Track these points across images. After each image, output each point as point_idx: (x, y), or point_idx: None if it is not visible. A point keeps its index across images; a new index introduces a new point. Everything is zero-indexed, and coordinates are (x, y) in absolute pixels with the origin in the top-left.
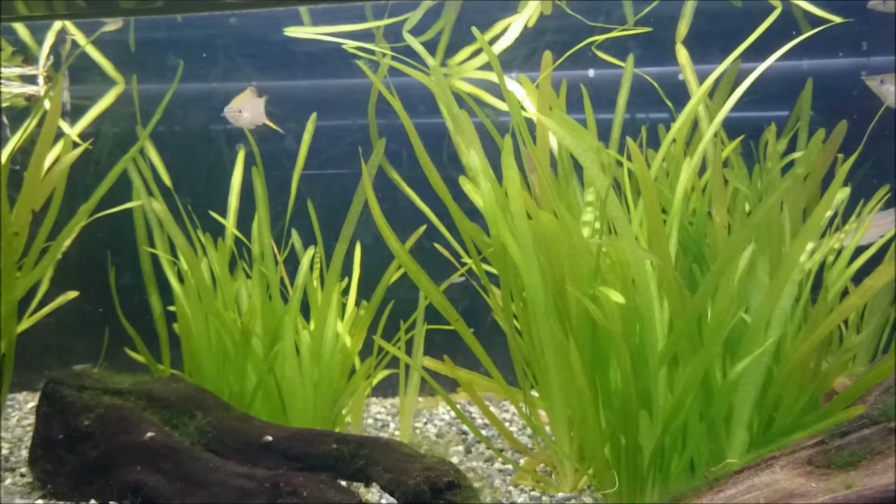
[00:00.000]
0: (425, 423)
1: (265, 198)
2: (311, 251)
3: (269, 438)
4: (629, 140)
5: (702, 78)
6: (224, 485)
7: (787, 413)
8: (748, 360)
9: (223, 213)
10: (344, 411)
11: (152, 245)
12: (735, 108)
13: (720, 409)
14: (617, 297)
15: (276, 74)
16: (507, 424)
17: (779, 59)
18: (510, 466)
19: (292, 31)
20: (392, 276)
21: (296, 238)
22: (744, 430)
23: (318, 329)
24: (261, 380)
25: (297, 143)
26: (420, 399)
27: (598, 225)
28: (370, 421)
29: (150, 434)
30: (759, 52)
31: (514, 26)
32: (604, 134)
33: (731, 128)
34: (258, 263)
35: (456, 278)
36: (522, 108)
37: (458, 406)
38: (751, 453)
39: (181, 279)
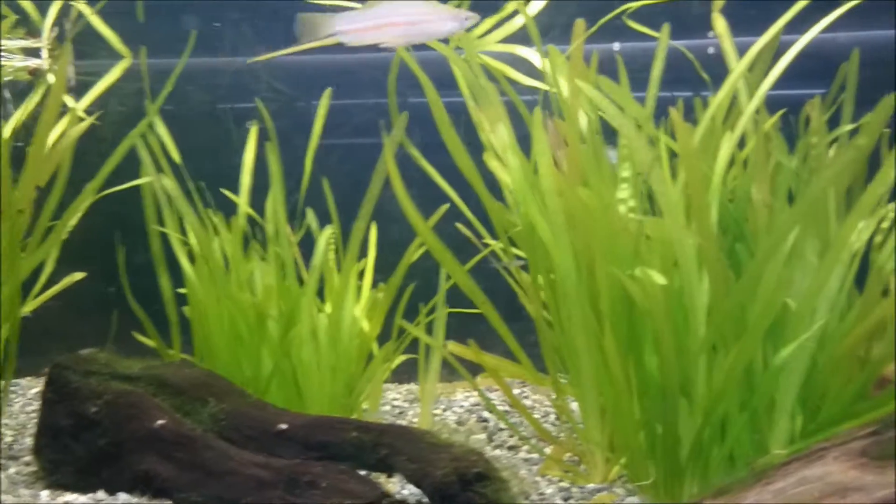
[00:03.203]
0: (444, 411)
1: (280, 174)
2: (328, 230)
3: (285, 426)
4: (672, 110)
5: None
6: (239, 474)
7: (835, 402)
8: (792, 346)
9: (236, 192)
10: (361, 397)
11: (162, 224)
12: (775, 84)
13: (762, 398)
14: (659, 278)
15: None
16: (530, 412)
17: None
18: (535, 455)
19: None
20: (413, 255)
21: (311, 217)
22: (787, 420)
23: (335, 312)
24: (277, 365)
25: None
26: (438, 385)
27: (632, 202)
28: (387, 408)
29: (160, 421)
30: (792, 24)
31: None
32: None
33: (770, 104)
34: (273, 243)
35: (506, 260)
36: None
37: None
38: (796, 444)
39: (193, 260)
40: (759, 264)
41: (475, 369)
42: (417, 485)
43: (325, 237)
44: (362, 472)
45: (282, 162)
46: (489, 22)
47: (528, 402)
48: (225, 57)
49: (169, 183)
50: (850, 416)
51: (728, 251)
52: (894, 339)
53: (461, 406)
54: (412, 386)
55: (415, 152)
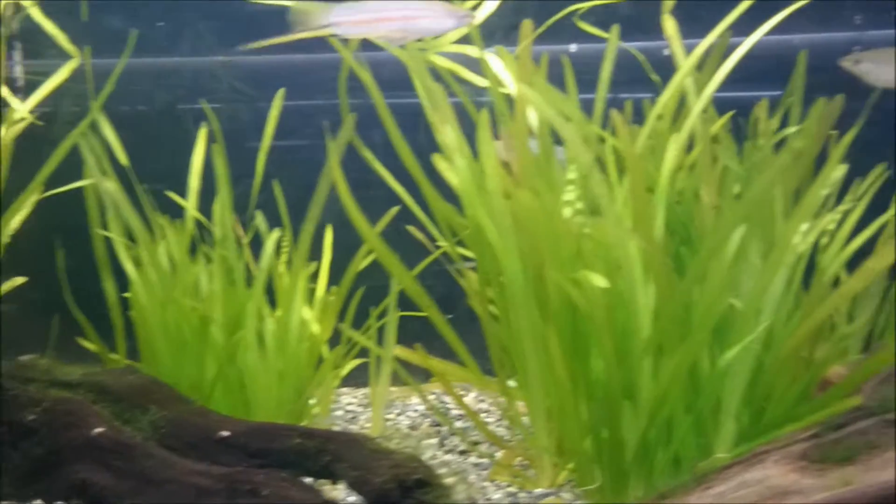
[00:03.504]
0: (398, 415)
1: (226, 177)
2: (275, 233)
3: (227, 433)
4: (614, 112)
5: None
6: (178, 483)
7: (779, 404)
8: (737, 348)
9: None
10: (313, 401)
11: (106, 228)
12: (726, 86)
13: (708, 400)
14: (600, 281)
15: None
16: (483, 416)
17: (769, 35)
18: (487, 460)
19: None
20: (361, 261)
21: (260, 220)
22: (732, 423)
23: (283, 316)
24: (220, 370)
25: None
26: (393, 389)
27: (580, 205)
28: (340, 413)
29: (98, 429)
30: (752, 26)
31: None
32: (587, 111)
33: (722, 107)
34: (220, 247)
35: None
36: (500, 81)
37: (434, 396)
38: (740, 447)
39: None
40: (701, 265)
41: (431, 373)
42: (359, 492)
43: (273, 240)
44: (308, 480)
45: (245, 163)
46: None
47: (484, 406)
48: (184, 57)
49: (112, 185)
50: (792, 419)
51: (675, 253)
52: (837, 340)
53: (416, 410)
54: (368, 390)
55: (368, 154)
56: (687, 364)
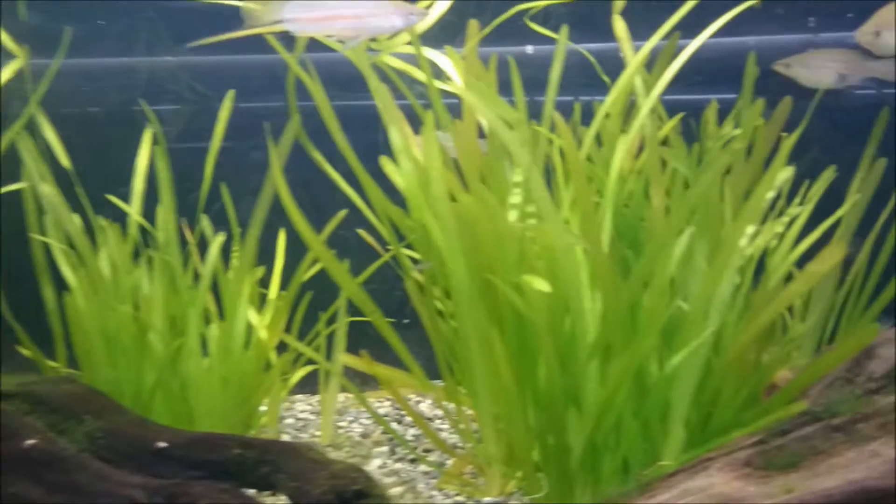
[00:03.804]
0: (351, 422)
1: (169, 180)
2: (220, 238)
3: (164, 444)
4: (556, 114)
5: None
6: (113, 496)
7: (726, 409)
8: (685, 352)
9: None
10: (264, 408)
11: (45, 232)
12: (681, 89)
13: (655, 404)
14: (542, 286)
15: (193, 48)
16: (438, 422)
17: (724, 37)
18: (437, 469)
19: None
20: (307, 268)
21: (206, 225)
22: (681, 428)
23: (227, 322)
24: (159, 378)
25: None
26: (349, 395)
27: (530, 208)
28: (291, 421)
29: (30, 441)
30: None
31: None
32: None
33: (677, 110)
34: (163, 251)
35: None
36: (441, 81)
37: (390, 402)
38: (688, 453)
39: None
40: (644, 267)
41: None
42: (297, 503)
43: (217, 244)
44: (247, 491)
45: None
46: None
47: (440, 413)
48: (141, 56)
49: (49, 189)
50: (738, 425)
51: (623, 257)
52: (786, 343)
53: (369, 417)
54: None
55: (318, 156)
56: (633, 368)
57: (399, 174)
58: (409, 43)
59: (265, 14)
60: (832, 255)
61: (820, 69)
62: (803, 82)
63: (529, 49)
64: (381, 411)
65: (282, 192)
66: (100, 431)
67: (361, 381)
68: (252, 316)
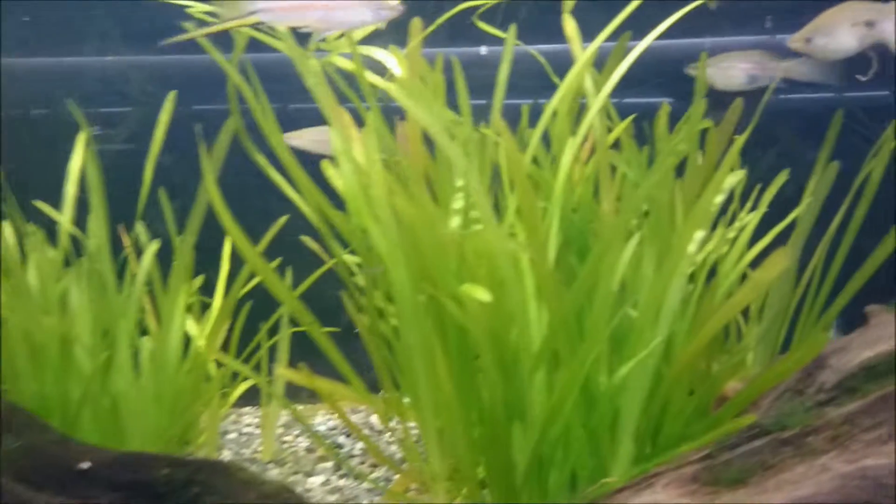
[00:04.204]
0: (297, 436)
1: (100, 186)
2: (154, 245)
3: (88, 464)
4: (495, 115)
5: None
6: None
7: (675, 421)
8: (633, 361)
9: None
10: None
11: None
12: (639, 93)
13: (604, 416)
14: (482, 295)
15: (131, 47)
16: (388, 436)
17: (681, 39)
18: (383, 485)
19: None
20: (246, 277)
21: (142, 232)
22: (630, 441)
23: (161, 334)
24: (86, 393)
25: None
26: (300, 407)
27: (476, 213)
28: (234, 436)
29: None
30: (677, 29)
31: None
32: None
33: (631, 113)
34: (93, 260)
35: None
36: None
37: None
38: (637, 466)
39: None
40: (590, 271)
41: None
42: None
43: (151, 252)
44: None
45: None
46: None
47: (391, 425)
48: (91, 56)
49: None
50: (687, 438)
51: (571, 264)
52: (736, 352)
53: (318, 430)
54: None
55: (262, 160)
56: (579, 378)
57: (339, 177)
58: (363, 41)
59: (240, 5)
60: (778, 263)
61: (730, 71)
62: (715, 84)
63: (483, 50)
64: (331, 423)
65: (214, 199)
66: (19, 451)
67: (310, 394)
68: (191, 326)
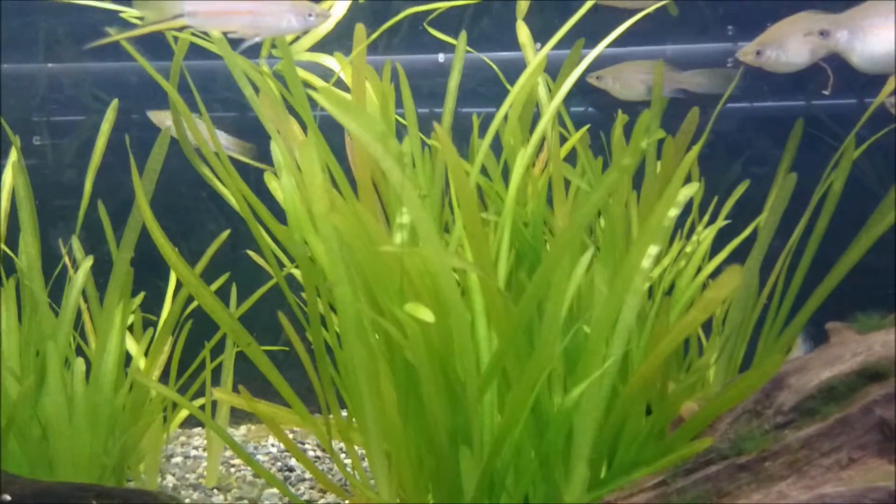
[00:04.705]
0: None
1: (30, 200)
2: (88, 261)
3: (8, 497)
4: (435, 124)
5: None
6: None
7: (631, 444)
8: (586, 382)
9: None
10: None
11: None
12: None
13: (556, 438)
14: (425, 315)
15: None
16: (343, 457)
17: (642, 46)
18: None
19: None
20: (185, 296)
21: (77, 248)
22: (584, 465)
23: (97, 354)
24: (11, 419)
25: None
26: (251, 427)
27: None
28: (178, 460)
29: None
30: (639, 36)
31: (339, 3)
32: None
33: (589, 122)
34: (25, 278)
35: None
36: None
37: (292, 436)
38: (591, 493)
39: None
40: (537, 287)
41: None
42: None
43: (85, 269)
44: None
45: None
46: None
47: (343, 447)
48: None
49: None
50: (641, 463)
51: (523, 280)
52: (693, 371)
53: (268, 453)
54: (229, 430)
55: (206, 171)
56: (527, 399)
57: (280, 190)
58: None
59: (165, 8)
60: (730, 281)
61: (630, 81)
62: (615, 94)
63: (441, 58)
64: (281, 447)
65: (146, 216)
66: None
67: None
68: (131, 345)
